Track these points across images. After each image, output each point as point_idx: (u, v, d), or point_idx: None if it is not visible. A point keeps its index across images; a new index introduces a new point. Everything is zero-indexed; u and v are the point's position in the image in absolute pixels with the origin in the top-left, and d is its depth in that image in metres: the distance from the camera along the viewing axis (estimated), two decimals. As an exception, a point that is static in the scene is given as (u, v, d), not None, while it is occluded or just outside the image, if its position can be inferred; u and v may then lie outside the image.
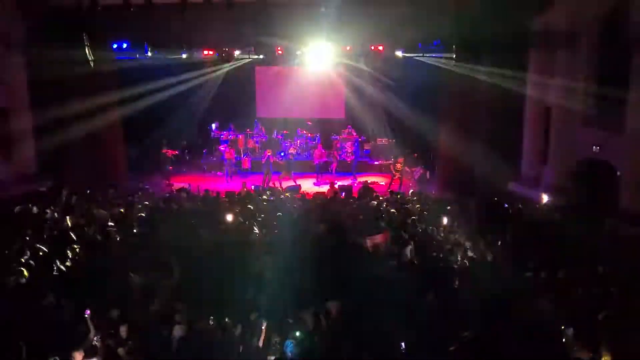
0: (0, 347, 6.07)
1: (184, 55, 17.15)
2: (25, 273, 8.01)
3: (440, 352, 6.27)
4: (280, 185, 16.22)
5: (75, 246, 9.28)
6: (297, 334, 6.48)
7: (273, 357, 6.30)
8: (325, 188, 15.44)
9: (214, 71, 18.92)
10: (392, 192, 14.35)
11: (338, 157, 17.96)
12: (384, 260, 8.75)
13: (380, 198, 13.18)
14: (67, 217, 10.66)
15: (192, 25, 14.87)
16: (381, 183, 16.95)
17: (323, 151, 17.97)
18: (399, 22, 14.10)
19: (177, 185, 15.69)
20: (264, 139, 19.53)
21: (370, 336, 6.50)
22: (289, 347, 6.30)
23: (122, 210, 11.65)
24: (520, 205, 12.58)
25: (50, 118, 14.23)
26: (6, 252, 8.84)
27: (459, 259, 8.97)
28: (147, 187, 15.38)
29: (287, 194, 13.81)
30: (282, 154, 18.16)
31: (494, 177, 14.20)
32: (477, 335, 6.36)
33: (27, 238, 9.50)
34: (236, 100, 20.13)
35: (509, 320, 6.64)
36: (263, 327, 6.47)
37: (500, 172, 14.36)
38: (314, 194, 14.23)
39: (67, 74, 14.15)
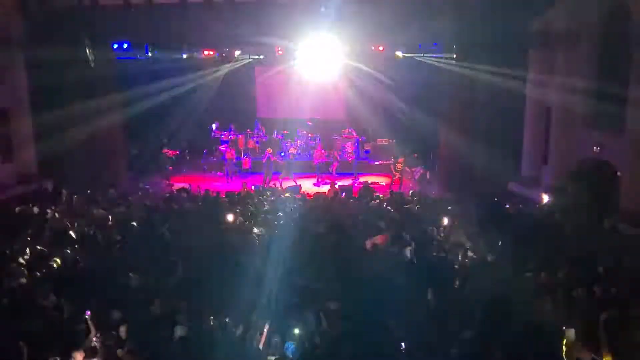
0: (1, 347, 6.08)
1: (184, 56, 17.17)
2: (26, 273, 8.03)
3: (440, 352, 6.27)
4: (281, 185, 16.22)
5: (76, 246, 9.30)
6: (298, 334, 6.48)
7: (273, 358, 6.30)
8: (325, 188, 15.44)
9: (214, 71, 18.93)
10: (392, 192, 14.36)
11: (339, 158, 17.96)
12: (384, 260, 8.75)
13: (381, 198, 13.18)
14: (68, 217, 10.67)
15: (192, 25, 14.88)
16: (381, 183, 16.95)
17: (323, 151, 17.98)
18: (399, 22, 14.11)
19: (177, 185, 15.69)
20: (264, 139, 19.54)
21: (370, 336, 6.51)
22: (290, 349, 6.31)
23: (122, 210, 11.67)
24: (520, 205, 12.59)
25: (50, 118, 14.23)
26: (7, 252, 8.85)
27: (459, 259, 8.97)
28: (147, 187, 15.40)
29: (287, 194, 13.82)
30: (283, 154, 18.18)
31: (494, 177, 14.21)
32: (477, 336, 6.37)
33: (28, 238, 9.52)
34: (236, 100, 20.13)
35: (509, 321, 6.64)
36: (263, 328, 6.47)
37: (500, 172, 14.36)
38: (314, 194, 14.23)
39: (67, 75, 14.16)
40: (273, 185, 15.95)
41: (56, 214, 11.18)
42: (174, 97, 17.86)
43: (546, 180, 14.27)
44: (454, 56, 14.99)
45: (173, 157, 17.72)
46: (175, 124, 18.71)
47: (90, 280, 7.95)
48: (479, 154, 14.50)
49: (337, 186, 14.88)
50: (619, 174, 12.31)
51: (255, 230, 10.23)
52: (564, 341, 6.36)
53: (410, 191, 14.40)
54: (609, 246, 9.29)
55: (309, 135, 19.63)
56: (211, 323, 6.68)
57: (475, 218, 11.00)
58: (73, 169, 15.10)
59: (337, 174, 17.36)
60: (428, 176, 17.01)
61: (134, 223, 10.66)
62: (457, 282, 8.13)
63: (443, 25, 14.30)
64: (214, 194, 13.08)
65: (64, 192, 12.93)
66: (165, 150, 17.38)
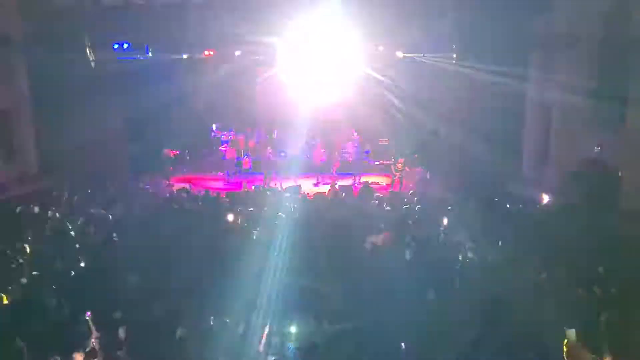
0: (1, 347, 6.08)
1: (184, 56, 17.18)
2: (26, 273, 8.04)
3: (440, 352, 6.27)
4: (281, 185, 16.22)
5: (76, 246, 9.31)
6: (298, 334, 6.48)
7: (273, 358, 6.30)
8: (325, 188, 15.45)
9: (214, 71, 18.94)
10: (392, 192, 14.36)
11: (339, 158, 17.97)
12: (384, 260, 8.75)
13: (381, 198, 13.18)
14: (68, 217, 10.68)
15: (192, 25, 14.90)
16: (381, 183, 16.95)
17: (323, 151, 17.97)
18: (399, 22, 14.12)
19: (177, 185, 15.69)
20: (264, 139, 19.53)
21: (370, 336, 6.51)
22: (290, 349, 6.31)
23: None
24: (520, 205, 12.58)
25: (50, 119, 14.25)
26: (7, 252, 8.85)
27: (460, 259, 8.97)
28: (147, 187, 15.40)
29: (287, 194, 13.81)
30: (283, 154, 18.17)
31: (494, 177, 14.20)
32: (478, 336, 6.37)
33: (29, 238, 9.52)
34: (236, 100, 20.13)
35: (509, 321, 6.64)
36: (264, 328, 6.47)
37: (500, 172, 14.35)
38: (315, 194, 14.23)
39: (67, 75, 14.16)
40: (273, 185, 15.95)
41: (56, 214, 11.19)
42: (174, 97, 17.86)
43: (546, 180, 14.27)
44: (454, 56, 14.98)
45: (173, 157, 17.72)
46: (176, 124, 18.71)
47: (90, 281, 7.96)
48: (479, 154, 14.51)
49: (337, 186, 14.88)
50: (619, 174, 12.31)
51: (255, 230, 10.23)
52: (565, 341, 6.37)
53: (410, 191, 14.40)
54: (609, 246, 9.28)
55: (309, 135, 19.62)
56: (211, 323, 6.68)
57: (475, 218, 11.01)
58: (73, 169, 15.10)
59: (337, 174, 17.36)
60: (428, 176, 17.01)
61: (134, 223, 10.67)
62: (457, 282, 8.13)
63: (443, 25, 14.32)
64: (214, 194, 13.08)
65: (65, 192, 12.93)
66: (165, 150, 17.38)
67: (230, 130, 19.34)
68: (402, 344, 6.40)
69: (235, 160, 18.13)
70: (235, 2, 14.42)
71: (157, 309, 7.14)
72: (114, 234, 10.03)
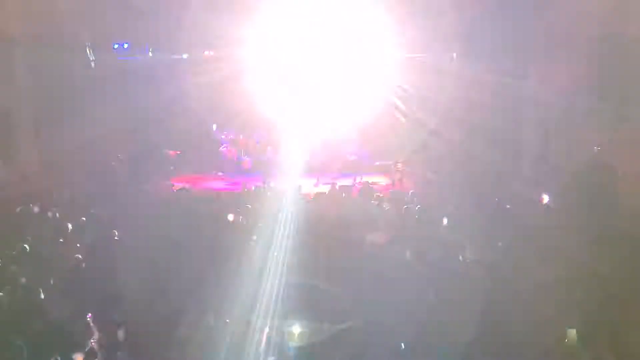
0: (1, 347, 6.08)
1: (185, 56, 17.19)
2: (26, 273, 8.03)
3: (440, 352, 6.28)
4: (281, 185, 16.20)
5: (77, 245, 9.31)
6: (298, 334, 6.48)
7: (273, 358, 6.31)
8: (325, 188, 15.45)
9: (214, 71, 18.94)
10: (392, 192, 14.36)
11: (340, 158, 17.97)
12: (384, 260, 8.75)
13: (381, 198, 13.17)
14: (68, 217, 10.68)
15: (192, 25, 14.90)
16: (381, 183, 16.95)
17: (322, 151, 17.97)
18: (399, 22, 14.13)
19: (177, 185, 15.69)
20: (264, 139, 19.53)
21: (370, 336, 6.51)
22: (291, 349, 6.31)
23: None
24: (520, 205, 12.58)
25: (51, 119, 14.24)
26: (7, 252, 8.85)
27: (459, 259, 8.97)
28: (147, 187, 15.38)
29: (287, 194, 13.80)
30: (283, 154, 18.16)
31: (494, 177, 14.19)
32: (478, 336, 6.37)
33: (29, 238, 9.52)
34: (237, 100, 20.13)
35: (509, 321, 6.65)
36: (264, 328, 6.47)
37: (500, 172, 14.35)
38: (315, 194, 14.22)
39: (68, 75, 14.17)
40: (273, 185, 15.93)
41: (57, 214, 11.19)
42: (174, 97, 17.86)
43: (546, 180, 14.25)
44: (454, 56, 14.99)
45: (173, 157, 17.71)
46: (176, 124, 18.71)
47: (91, 281, 7.96)
48: (479, 154, 14.50)
49: (337, 186, 14.88)
50: (619, 174, 12.31)
51: (256, 230, 10.24)
52: (565, 341, 6.37)
53: (410, 191, 14.40)
54: (609, 246, 9.29)
55: (309, 135, 19.60)
56: (212, 323, 6.68)
57: (475, 218, 11.01)
58: (73, 169, 15.09)
59: (337, 174, 17.34)
60: (428, 176, 17.01)
61: (134, 223, 10.66)
62: (457, 282, 8.13)
63: (443, 25, 14.32)
64: (214, 194, 13.08)
65: (65, 192, 12.93)
66: (165, 150, 17.38)
67: (230, 130, 19.33)
68: (402, 344, 6.40)
69: (235, 160, 18.12)
70: (235, 2, 14.42)
71: (157, 309, 7.15)
72: (114, 234, 10.05)
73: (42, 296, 7.26)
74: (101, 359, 6.07)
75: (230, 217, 10.77)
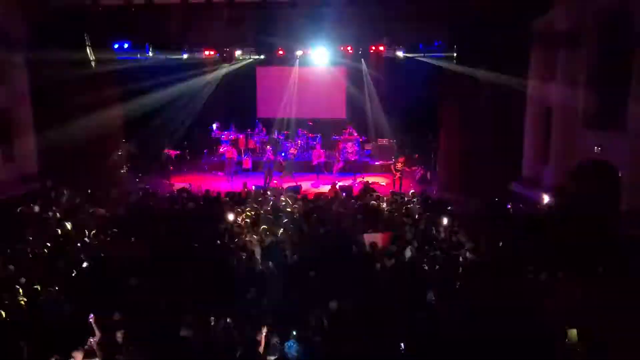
0: (1, 347, 6.09)
1: (185, 56, 17.17)
2: (26, 273, 8.05)
3: (440, 352, 6.28)
4: (281, 185, 16.21)
5: (78, 245, 9.32)
6: (298, 334, 6.49)
7: (273, 358, 6.31)
8: (323, 188, 15.45)
9: (215, 71, 18.94)
10: (392, 193, 14.36)
11: (340, 158, 17.96)
12: (384, 260, 8.76)
13: (381, 198, 13.18)
14: (68, 217, 10.69)
15: (193, 25, 14.89)
16: (382, 183, 16.94)
17: (322, 151, 17.97)
18: (399, 22, 14.11)
19: (177, 185, 15.69)
20: (264, 139, 19.52)
21: (370, 336, 6.52)
22: (291, 348, 6.31)
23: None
24: (520, 205, 12.58)
25: (51, 118, 14.24)
26: (7, 252, 8.86)
27: (460, 259, 8.97)
28: (147, 187, 15.38)
29: (287, 194, 13.81)
30: (283, 154, 18.16)
31: (494, 178, 14.19)
32: (478, 336, 6.38)
33: (29, 238, 9.53)
34: (237, 100, 20.12)
35: (510, 321, 6.65)
36: (264, 328, 6.48)
37: (500, 172, 14.35)
38: (315, 194, 14.23)
39: (68, 74, 14.16)
40: (273, 186, 15.93)
41: (57, 214, 11.20)
42: (174, 97, 17.86)
43: (546, 181, 14.26)
44: (455, 56, 14.99)
45: (174, 157, 17.71)
46: (176, 124, 18.71)
47: (91, 281, 7.97)
48: (479, 154, 14.50)
49: (337, 186, 14.88)
50: (620, 174, 12.31)
51: (256, 230, 10.25)
52: (565, 341, 6.38)
53: (411, 191, 14.40)
54: (609, 246, 9.29)
55: (310, 135, 19.61)
56: (212, 324, 6.68)
57: (475, 218, 11.01)
58: (74, 169, 15.09)
59: (337, 174, 17.35)
60: (428, 176, 17.00)
61: (135, 223, 10.68)
62: (457, 283, 8.13)
63: (443, 25, 14.30)
64: (215, 194, 13.08)
65: (65, 192, 12.93)
66: (165, 150, 17.37)
67: (230, 130, 19.32)
68: (402, 344, 6.41)
69: (235, 160, 18.11)
70: (235, 2, 14.39)
71: (158, 309, 7.15)
72: (115, 234, 10.06)
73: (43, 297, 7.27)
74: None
75: (231, 217, 10.77)
